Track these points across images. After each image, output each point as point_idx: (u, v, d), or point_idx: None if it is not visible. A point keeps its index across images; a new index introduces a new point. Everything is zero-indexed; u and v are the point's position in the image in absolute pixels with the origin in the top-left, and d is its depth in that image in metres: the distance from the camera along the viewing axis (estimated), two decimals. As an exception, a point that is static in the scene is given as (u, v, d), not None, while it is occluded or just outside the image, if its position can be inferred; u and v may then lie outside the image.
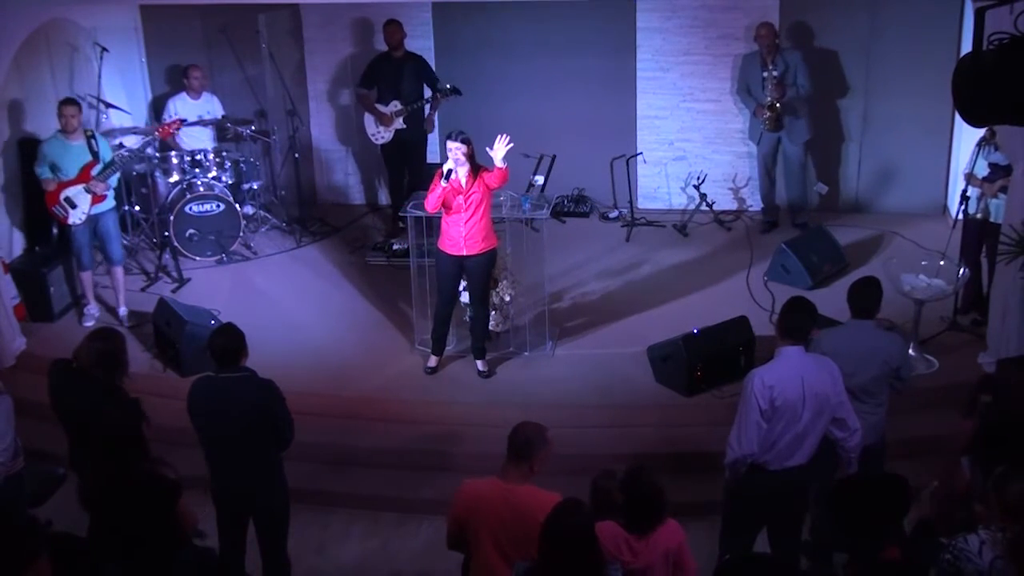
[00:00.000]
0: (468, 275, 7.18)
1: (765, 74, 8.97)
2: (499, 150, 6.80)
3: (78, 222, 7.89)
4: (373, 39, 10.14)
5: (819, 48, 9.36)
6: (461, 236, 6.95)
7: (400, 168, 9.67)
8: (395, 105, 9.33)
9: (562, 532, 3.87)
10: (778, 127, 9.13)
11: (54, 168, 7.79)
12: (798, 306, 5.22)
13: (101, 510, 4.23)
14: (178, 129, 8.90)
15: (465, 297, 7.41)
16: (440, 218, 7.08)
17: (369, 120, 9.48)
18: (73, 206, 7.83)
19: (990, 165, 7.42)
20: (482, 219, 6.94)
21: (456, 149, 6.77)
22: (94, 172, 7.85)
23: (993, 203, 7.41)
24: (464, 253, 7.00)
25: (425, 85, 9.41)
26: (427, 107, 9.43)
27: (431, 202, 6.90)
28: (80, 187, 7.82)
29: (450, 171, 6.79)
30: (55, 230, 8.50)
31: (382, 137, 9.45)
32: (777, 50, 8.97)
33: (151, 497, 3.97)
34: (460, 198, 6.86)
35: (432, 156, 9.92)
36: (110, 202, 8.07)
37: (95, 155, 7.87)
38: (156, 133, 8.66)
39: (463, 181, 6.85)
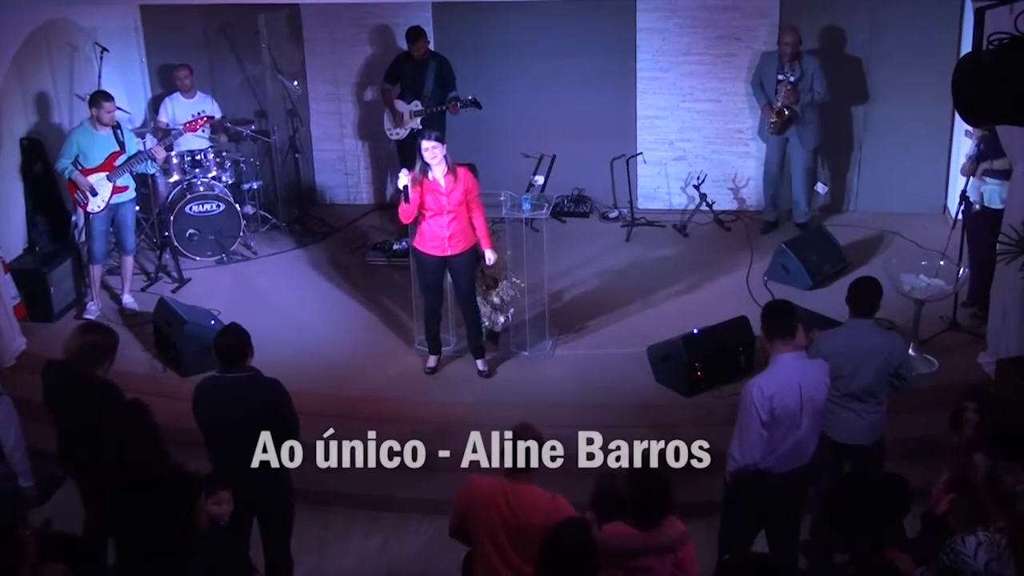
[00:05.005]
0: (454, 275, 7.18)
1: (781, 77, 8.96)
2: (489, 257, 7.13)
3: (96, 210, 7.98)
4: (373, 40, 10.14)
5: (819, 48, 9.35)
6: (445, 237, 6.92)
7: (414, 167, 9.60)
8: (416, 105, 9.29)
9: (561, 547, 3.89)
10: (781, 132, 9.12)
11: (79, 158, 7.88)
12: (777, 309, 5.22)
13: (116, 509, 4.24)
14: (206, 124, 8.97)
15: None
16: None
17: (387, 115, 9.47)
18: (94, 193, 7.92)
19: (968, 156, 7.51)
20: (463, 218, 6.95)
21: (432, 148, 6.75)
22: (118, 162, 7.94)
23: (985, 188, 7.43)
24: (448, 253, 6.99)
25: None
26: (446, 112, 9.34)
27: (404, 215, 6.91)
28: (103, 175, 7.91)
29: (406, 187, 6.80)
30: (77, 219, 8.55)
31: (397, 134, 9.43)
32: (798, 56, 8.95)
33: (175, 493, 4.00)
34: (443, 199, 6.84)
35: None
36: (130, 193, 8.20)
37: (121, 145, 7.99)
38: (182, 129, 8.71)
39: (442, 182, 6.83)
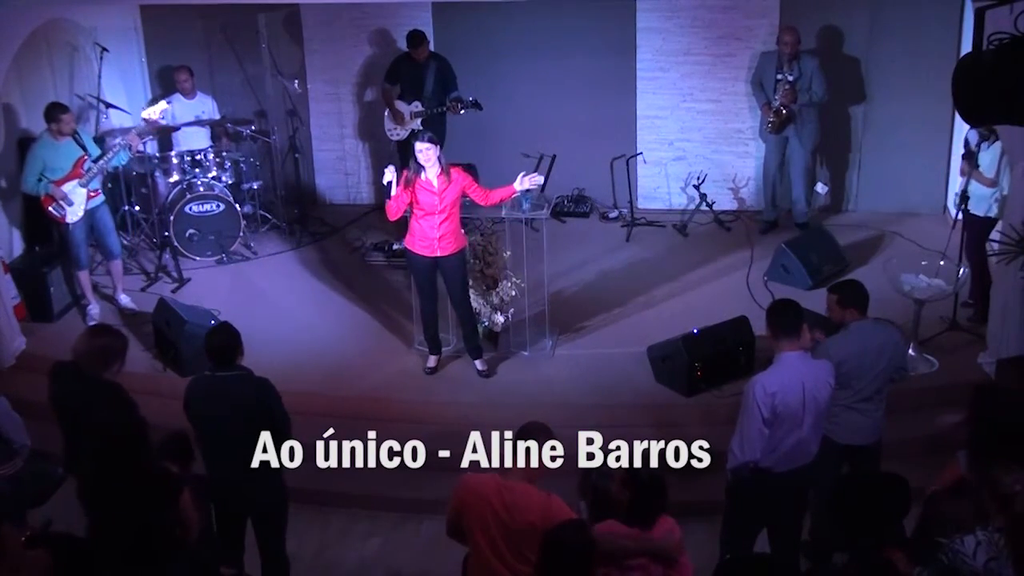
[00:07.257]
0: (445, 277, 7.18)
1: (779, 77, 8.97)
2: (524, 183, 6.87)
3: (75, 219, 7.93)
4: (373, 40, 10.14)
5: (818, 48, 9.35)
6: (435, 238, 6.96)
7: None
8: (416, 106, 9.28)
9: (562, 548, 3.89)
10: (779, 131, 9.13)
11: (45, 170, 7.81)
12: (783, 308, 5.22)
13: (103, 508, 4.23)
14: (149, 137, 8.78)
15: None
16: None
17: (388, 116, 9.46)
18: (70, 203, 7.86)
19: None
20: (454, 220, 6.98)
21: (426, 150, 6.80)
22: (85, 166, 7.89)
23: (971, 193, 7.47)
24: (438, 254, 7.01)
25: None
26: (447, 113, 9.30)
27: (391, 211, 6.97)
28: (75, 183, 7.87)
29: (389, 183, 6.87)
30: (54, 232, 8.44)
31: (397, 134, 9.43)
32: (796, 56, 8.95)
33: (156, 492, 3.98)
34: (435, 199, 6.87)
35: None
36: (102, 196, 8.14)
37: (84, 149, 7.93)
38: (129, 141, 8.14)
39: (435, 182, 6.87)
